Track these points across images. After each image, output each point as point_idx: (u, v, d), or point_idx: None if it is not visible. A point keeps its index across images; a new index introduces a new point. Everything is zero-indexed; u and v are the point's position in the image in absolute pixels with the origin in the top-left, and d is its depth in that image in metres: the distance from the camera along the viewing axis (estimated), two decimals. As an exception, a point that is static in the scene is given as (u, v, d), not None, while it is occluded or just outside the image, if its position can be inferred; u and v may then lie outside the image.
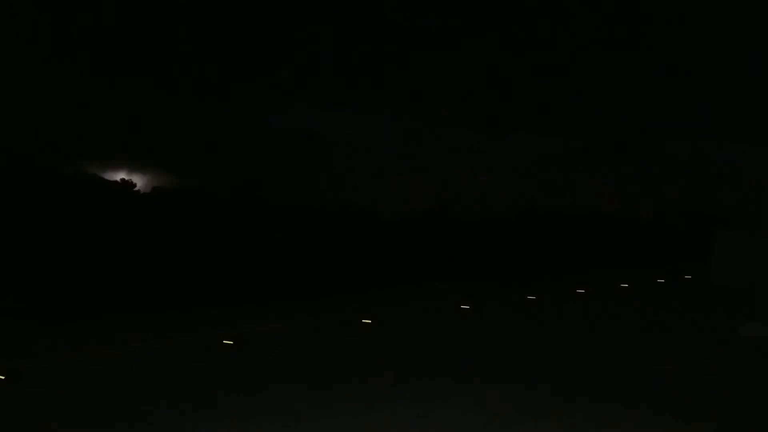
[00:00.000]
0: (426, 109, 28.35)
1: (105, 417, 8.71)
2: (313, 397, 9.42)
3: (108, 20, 21.08)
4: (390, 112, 27.35)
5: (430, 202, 25.88)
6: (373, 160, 26.58)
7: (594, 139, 31.71)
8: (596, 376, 10.61)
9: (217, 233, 19.77)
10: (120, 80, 22.04)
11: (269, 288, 18.08)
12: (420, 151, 28.15)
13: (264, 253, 19.57)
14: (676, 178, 32.62)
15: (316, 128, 25.97)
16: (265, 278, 18.44)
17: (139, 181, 23.18)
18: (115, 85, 22.10)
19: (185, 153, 24.84)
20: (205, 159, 25.02)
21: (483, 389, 9.85)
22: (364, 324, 14.76)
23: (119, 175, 22.91)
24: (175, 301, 16.38)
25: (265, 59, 24.78)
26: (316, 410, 8.88)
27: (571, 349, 12.66)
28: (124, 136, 24.07)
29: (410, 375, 10.61)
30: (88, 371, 10.92)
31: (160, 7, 21.96)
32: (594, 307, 17.85)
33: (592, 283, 21.32)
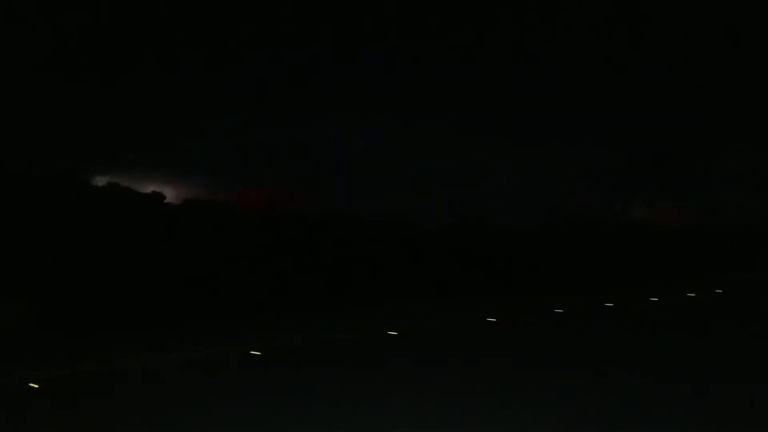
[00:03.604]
0: (452, 119, 28.20)
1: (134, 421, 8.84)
2: (337, 403, 9.48)
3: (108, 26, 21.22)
4: (417, 123, 27.27)
5: (459, 214, 25.66)
6: (398, 171, 26.49)
7: (629, 150, 31.06)
8: (629, 398, 10.48)
9: (243, 246, 19.81)
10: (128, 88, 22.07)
11: (293, 300, 18.08)
12: (443, 161, 27.89)
13: (293, 265, 19.59)
14: (711, 188, 31.93)
15: (344, 140, 25.94)
16: (292, 290, 18.44)
17: (170, 193, 23.17)
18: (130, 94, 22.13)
19: (213, 165, 24.72)
20: (234, 170, 24.93)
21: (504, 403, 9.80)
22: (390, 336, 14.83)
23: (151, 188, 22.91)
24: (216, 311, 16.40)
25: (279, 70, 24.73)
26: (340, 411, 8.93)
27: (601, 366, 12.48)
28: (155, 147, 24.07)
29: (445, 389, 10.61)
30: (116, 380, 11.09)
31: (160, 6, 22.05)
32: (620, 322, 17.64)
33: (622, 297, 20.83)
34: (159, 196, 22.01)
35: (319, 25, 24.23)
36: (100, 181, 21.29)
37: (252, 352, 12.80)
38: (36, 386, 10.50)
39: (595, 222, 27.14)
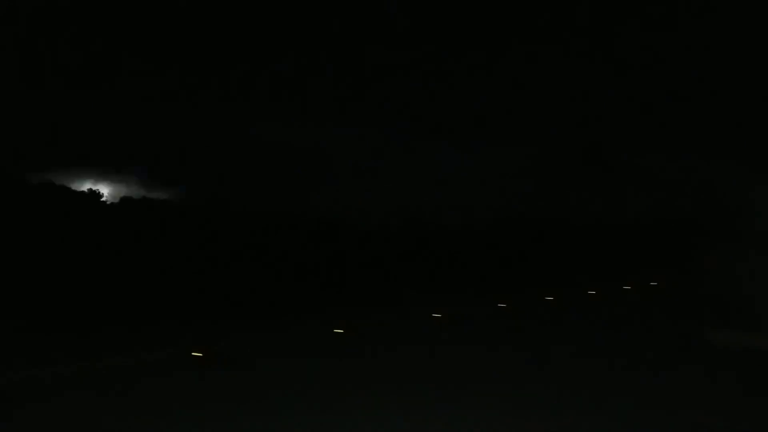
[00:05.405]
0: (401, 121, 28.35)
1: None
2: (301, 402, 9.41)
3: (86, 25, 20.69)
4: (366, 124, 27.30)
5: (402, 213, 25.79)
6: (348, 170, 26.48)
7: (566, 148, 31.73)
8: (568, 385, 10.69)
9: (187, 245, 19.48)
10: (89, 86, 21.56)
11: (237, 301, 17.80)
12: (393, 161, 28.02)
13: (233, 266, 19.30)
14: (648, 188, 32.77)
15: (293, 139, 25.76)
16: (236, 292, 18.12)
17: (106, 190, 22.42)
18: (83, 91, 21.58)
19: (156, 162, 24.29)
20: (178, 169, 24.54)
21: (454, 399, 9.87)
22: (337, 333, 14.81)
23: (86, 185, 22.11)
24: (146, 315, 16.01)
25: (245, 70, 24.51)
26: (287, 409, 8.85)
27: (539, 356, 12.77)
28: (91, 143, 23.42)
29: (394, 389, 10.62)
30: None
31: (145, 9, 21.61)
32: (563, 315, 18.06)
33: (562, 291, 21.48)
34: (95, 195, 21.41)
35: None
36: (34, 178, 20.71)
37: (194, 354, 12.59)
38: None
39: (533, 220, 27.65)
